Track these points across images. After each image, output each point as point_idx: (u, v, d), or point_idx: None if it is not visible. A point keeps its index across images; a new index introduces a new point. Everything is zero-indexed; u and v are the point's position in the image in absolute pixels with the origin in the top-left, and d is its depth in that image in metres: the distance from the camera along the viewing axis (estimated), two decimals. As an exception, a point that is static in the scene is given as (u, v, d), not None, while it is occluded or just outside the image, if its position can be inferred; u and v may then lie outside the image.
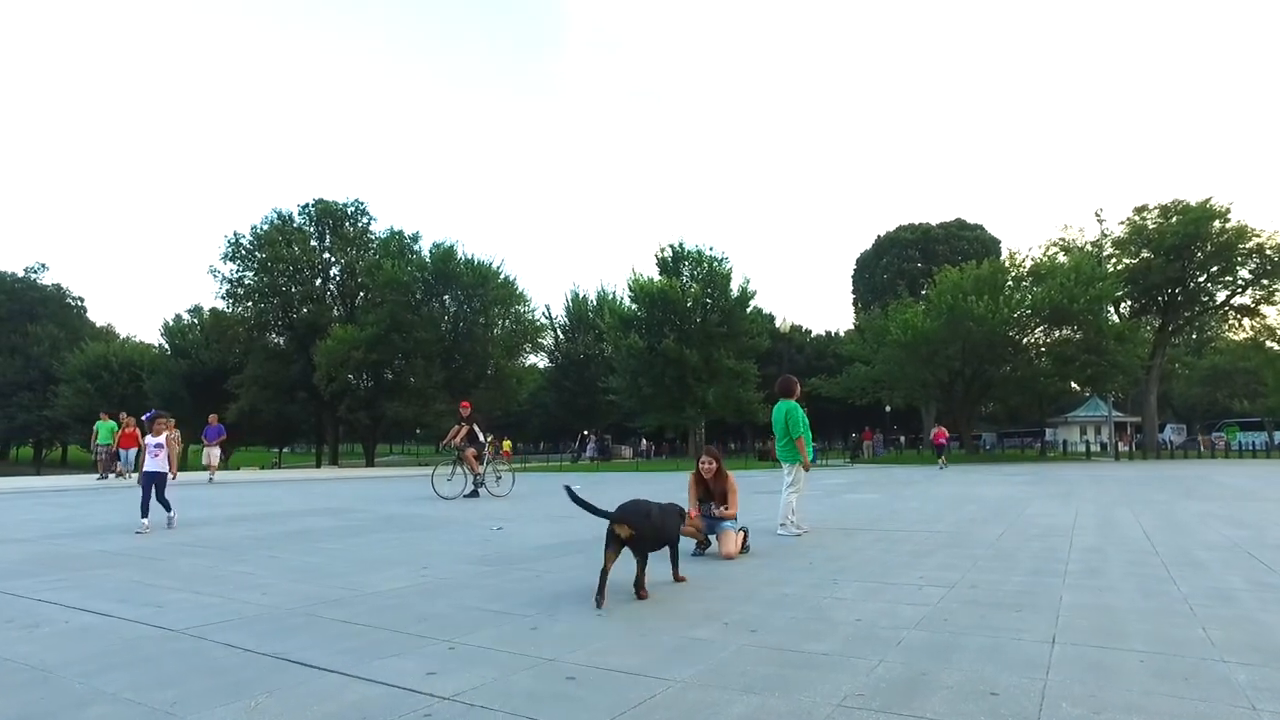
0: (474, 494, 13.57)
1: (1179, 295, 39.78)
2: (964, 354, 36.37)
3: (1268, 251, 36.92)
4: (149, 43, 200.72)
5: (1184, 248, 37.55)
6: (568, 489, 4.87)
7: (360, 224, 52.91)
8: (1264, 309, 40.06)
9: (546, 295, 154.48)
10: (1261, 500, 11.73)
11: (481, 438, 14.16)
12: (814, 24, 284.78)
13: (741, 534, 6.41)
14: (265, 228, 49.65)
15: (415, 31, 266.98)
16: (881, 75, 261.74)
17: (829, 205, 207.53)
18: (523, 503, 12.79)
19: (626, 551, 4.59)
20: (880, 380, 40.28)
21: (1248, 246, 37.09)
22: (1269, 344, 44.11)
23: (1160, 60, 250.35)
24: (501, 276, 45.94)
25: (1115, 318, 38.85)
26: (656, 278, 41.01)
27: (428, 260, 46.25)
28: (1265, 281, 38.08)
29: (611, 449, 53.21)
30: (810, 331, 69.85)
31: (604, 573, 4.42)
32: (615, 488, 17.63)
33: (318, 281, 51.54)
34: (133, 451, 19.08)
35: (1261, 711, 2.54)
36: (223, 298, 50.15)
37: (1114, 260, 39.77)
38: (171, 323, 56.55)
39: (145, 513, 8.25)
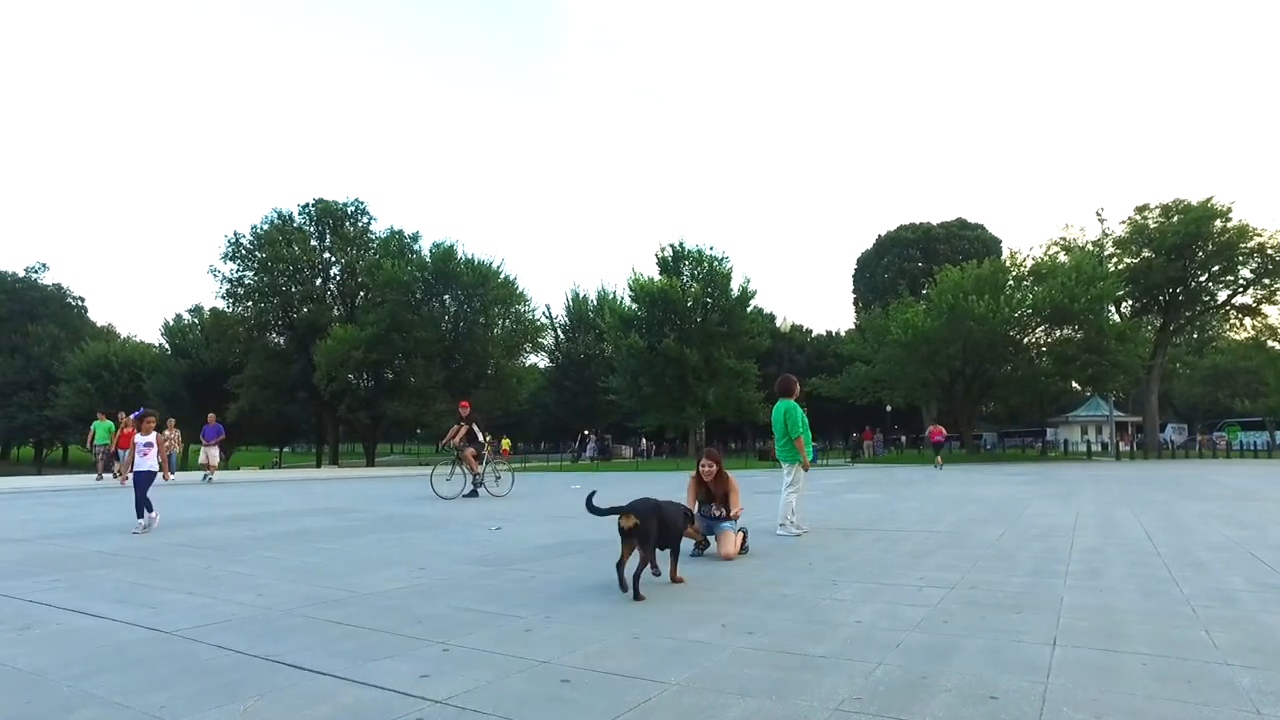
0: (473, 494, 13.54)
1: (1180, 295, 39.72)
2: (965, 353, 36.34)
3: (1269, 251, 36.84)
4: (149, 43, 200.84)
5: (1185, 247, 37.48)
6: (589, 503, 5.06)
7: (360, 224, 52.95)
8: (1265, 308, 40.00)
9: (547, 295, 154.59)
10: (1263, 500, 11.69)
11: (481, 437, 14.13)
12: (814, 24, 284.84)
13: (741, 535, 6.38)
14: (265, 227, 49.71)
15: (415, 31, 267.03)
16: (882, 75, 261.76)
17: (830, 205, 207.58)
18: (522, 503, 12.76)
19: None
20: (881, 380, 40.24)
21: (1249, 246, 37.01)
22: (1270, 343, 44.02)
23: (1161, 60, 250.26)
24: (501, 276, 45.96)
25: (1116, 317, 38.79)
26: (657, 277, 41.02)
27: (428, 260, 46.28)
28: (1266, 281, 38.00)
29: (612, 449, 53.18)
30: (811, 331, 69.89)
31: (620, 564, 4.74)
32: (616, 488, 17.62)
33: (318, 281, 51.57)
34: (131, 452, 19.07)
35: (1266, 716, 2.50)
36: (223, 297, 50.28)
37: (1115, 260, 39.70)
38: (172, 322, 56.62)
39: (140, 514, 8.18)
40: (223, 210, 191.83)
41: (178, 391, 50.35)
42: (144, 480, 8.21)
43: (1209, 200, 37.52)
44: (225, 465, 47.35)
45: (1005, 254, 43.46)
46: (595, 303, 56.57)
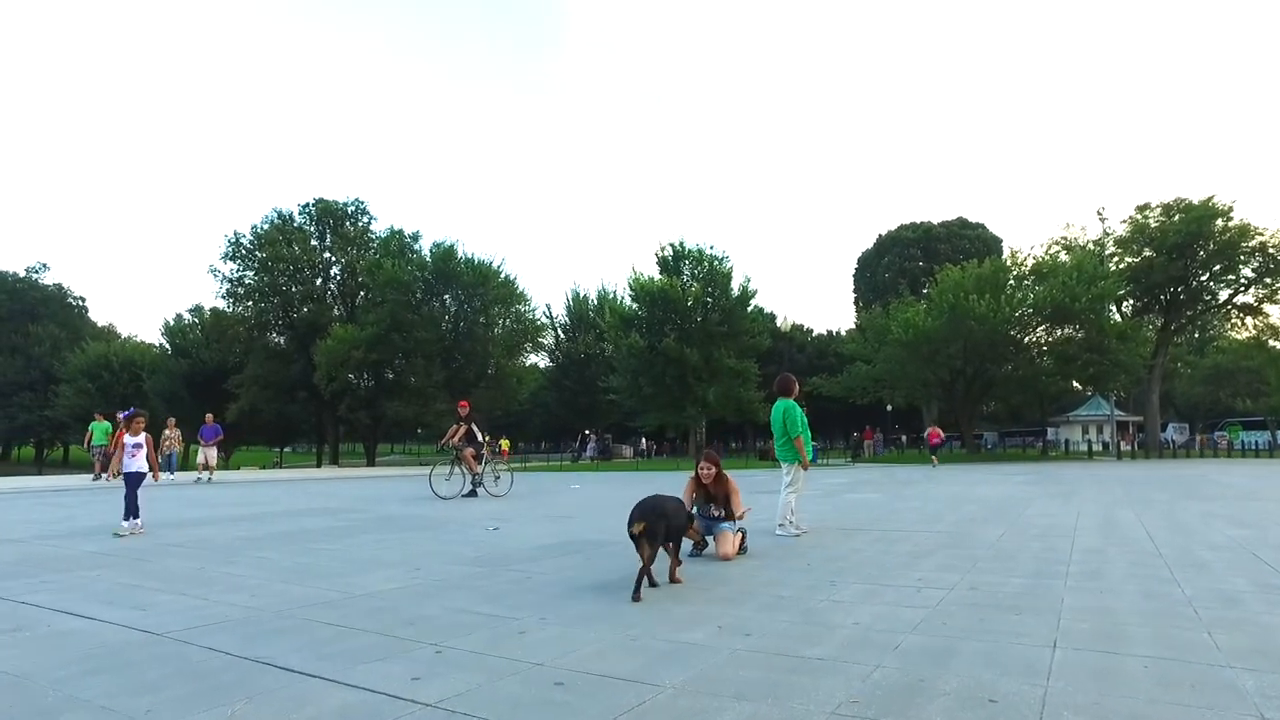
0: (472, 494, 13.49)
1: (1181, 294, 39.61)
2: (965, 353, 36.27)
3: (1270, 250, 36.71)
4: (149, 42, 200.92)
5: (1186, 246, 37.37)
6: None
7: (360, 223, 52.89)
8: (1267, 307, 39.84)
9: (547, 294, 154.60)
10: (1264, 500, 11.63)
11: (480, 437, 14.08)
12: (815, 23, 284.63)
13: (739, 535, 6.33)
14: (265, 227, 49.65)
15: (415, 31, 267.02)
16: (883, 74, 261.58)
17: (830, 204, 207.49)
18: (521, 503, 12.72)
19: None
20: (881, 379, 40.15)
21: (1250, 245, 36.88)
22: (1271, 343, 43.91)
23: (1162, 59, 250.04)
24: (502, 276, 45.88)
25: (1117, 316, 38.68)
26: (657, 277, 40.94)
27: (428, 260, 46.21)
28: (1268, 280, 37.84)
29: (612, 448, 53.13)
30: (811, 331, 69.78)
31: (643, 570, 4.72)
32: (616, 488, 17.58)
33: (318, 281, 51.52)
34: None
35: (1270, 720, 2.46)
36: (223, 297, 50.22)
37: (1116, 259, 39.58)
38: (172, 322, 56.55)
39: (135, 513, 8.08)
40: (223, 210, 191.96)
41: (178, 391, 50.31)
42: (134, 481, 8.09)
43: (1210, 199, 37.41)
44: (225, 465, 47.57)
45: (1006, 253, 43.39)
46: (595, 302, 56.50)
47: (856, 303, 64.16)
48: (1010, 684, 2.84)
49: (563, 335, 59.84)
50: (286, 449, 70.28)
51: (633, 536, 4.72)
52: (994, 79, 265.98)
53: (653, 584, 4.84)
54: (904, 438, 54.70)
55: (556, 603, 4.50)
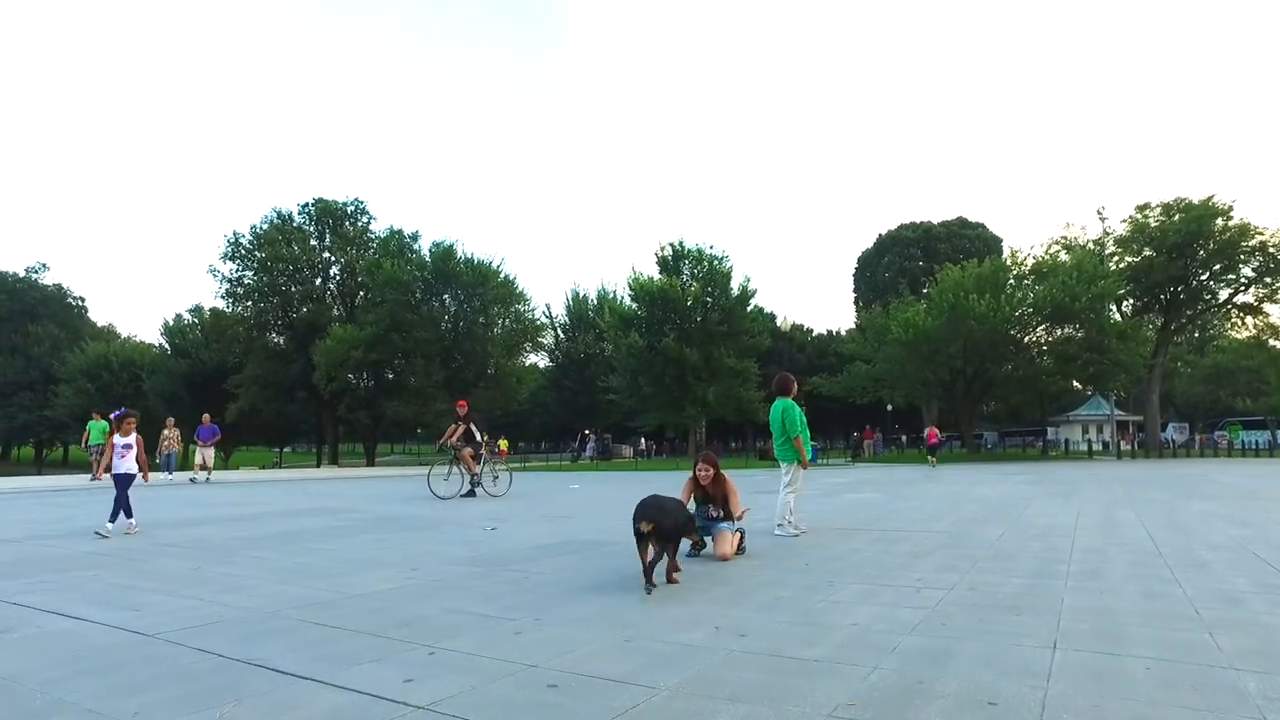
0: (470, 494, 13.45)
1: (1181, 293, 39.55)
2: (965, 352, 36.23)
3: (1270, 249, 36.63)
4: (148, 42, 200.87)
5: (1186, 246, 37.31)
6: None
7: (360, 223, 52.86)
8: (1267, 307, 39.77)
9: (546, 294, 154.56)
10: (1264, 499, 11.59)
11: (478, 437, 14.04)
12: (815, 22, 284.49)
13: (738, 535, 6.30)
14: (265, 227, 49.64)
15: (415, 30, 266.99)
16: (883, 74, 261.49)
17: (830, 204, 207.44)
18: (519, 502, 12.68)
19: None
20: (881, 379, 40.12)
21: (1250, 244, 36.82)
22: (1271, 342, 43.84)
23: (1162, 58, 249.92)
24: (501, 275, 45.85)
25: (1117, 316, 38.62)
26: (656, 276, 40.89)
27: (427, 259, 46.17)
28: (1268, 279, 37.77)
29: (611, 448, 53.08)
30: (811, 330, 69.74)
31: (643, 563, 4.82)
32: (615, 488, 17.55)
33: (317, 281, 51.49)
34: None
35: (1273, 722, 2.42)
36: (222, 297, 50.19)
37: (1116, 258, 39.53)
38: (171, 322, 56.52)
39: (129, 513, 7.99)
40: (222, 210, 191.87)
41: (177, 391, 50.27)
42: (123, 483, 7.94)
43: (1210, 199, 37.34)
44: (224, 465, 47.52)
45: (1006, 253, 43.33)
46: (595, 302, 56.45)
47: (856, 302, 64.13)
48: (1010, 686, 2.81)
49: (562, 335, 59.81)
50: (286, 449, 70.24)
51: (640, 534, 4.76)
52: (994, 79, 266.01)
53: (650, 584, 4.84)
54: (904, 437, 54.68)
55: (552, 603, 4.46)
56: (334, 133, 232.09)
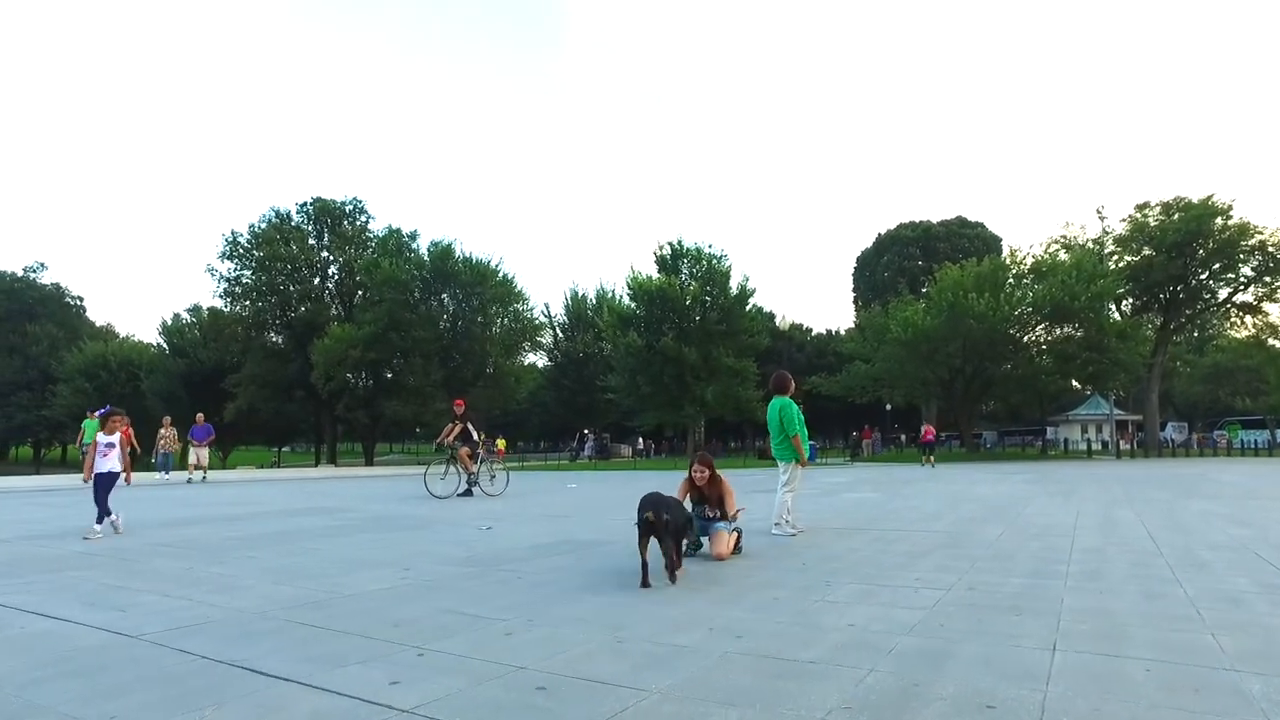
0: (467, 493, 13.40)
1: (1181, 293, 39.53)
2: (964, 352, 36.21)
3: (1270, 249, 36.63)
4: (146, 41, 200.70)
5: (1186, 245, 37.30)
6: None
7: (358, 222, 52.81)
8: (1266, 306, 39.80)
9: (545, 294, 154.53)
10: (1264, 499, 11.55)
11: (475, 436, 13.99)
12: (814, 21, 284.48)
13: (734, 535, 6.24)
14: (263, 226, 49.57)
15: (414, 29, 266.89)
16: (882, 73, 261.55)
17: (830, 203, 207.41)
18: (516, 502, 12.63)
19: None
20: (880, 378, 40.10)
21: (1250, 244, 36.82)
22: (1271, 341, 43.82)
23: (1161, 57, 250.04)
24: (500, 275, 45.81)
25: (1117, 315, 38.60)
26: (655, 276, 40.84)
27: (426, 258, 46.13)
28: (1267, 279, 37.78)
29: (610, 448, 53.02)
30: (810, 330, 69.70)
31: (643, 560, 4.90)
32: (613, 487, 17.49)
33: (316, 280, 51.43)
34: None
35: (1277, 726, 2.37)
36: (220, 297, 50.11)
37: (1115, 257, 39.51)
38: (169, 322, 56.45)
39: (109, 511, 7.80)
40: (221, 209, 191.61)
41: (175, 391, 50.19)
42: (105, 482, 7.76)
43: (1209, 198, 37.33)
44: (222, 465, 47.46)
45: (1005, 252, 43.30)
46: (594, 301, 56.39)
47: (856, 302, 64.13)
48: (1008, 689, 2.75)
49: (561, 334, 59.77)
50: (285, 448, 70.14)
51: (645, 524, 4.85)
52: (993, 78, 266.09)
53: (645, 584, 4.81)
54: (903, 437, 54.66)
55: (545, 604, 4.40)
56: (332, 132, 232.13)
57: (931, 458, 28.69)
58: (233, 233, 49.12)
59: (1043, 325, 37.30)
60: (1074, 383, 43.71)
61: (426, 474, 13.85)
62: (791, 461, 7.58)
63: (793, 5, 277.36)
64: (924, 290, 44.58)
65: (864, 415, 51.84)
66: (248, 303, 49.56)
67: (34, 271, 76.62)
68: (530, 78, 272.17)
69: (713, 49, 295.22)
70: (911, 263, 58.51)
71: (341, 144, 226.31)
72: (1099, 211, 48.58)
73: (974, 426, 45.51)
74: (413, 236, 50.24)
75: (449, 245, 45.39)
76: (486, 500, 12.91)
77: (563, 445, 60.73)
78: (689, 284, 40.32)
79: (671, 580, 4.96)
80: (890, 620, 3.88)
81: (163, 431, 19.41)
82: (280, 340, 51.10)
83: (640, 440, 55.04)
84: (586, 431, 54.31)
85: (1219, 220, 36.82)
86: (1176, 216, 37.86)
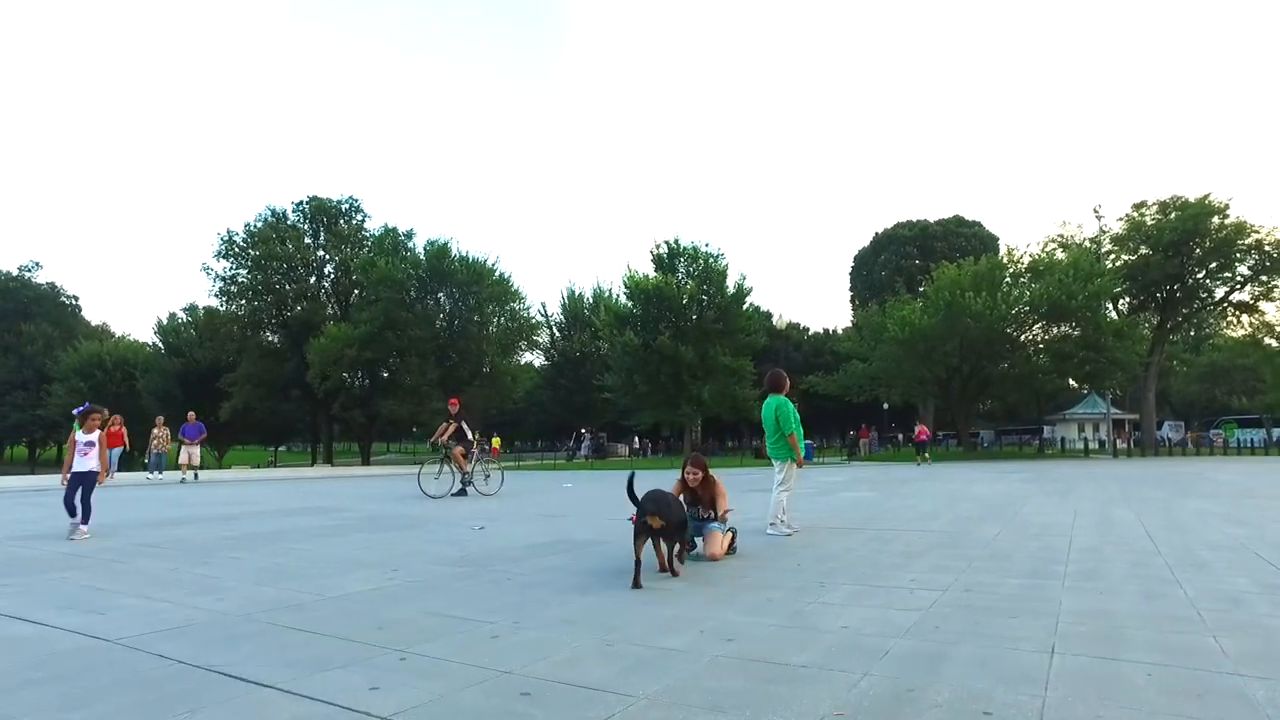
0: (462, 493, 13.31)
1: (1177, 292, 39.54)
2: (962, 351, 36.17)
3: (1266, 248, 36.66)
4: (142, 40, 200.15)
5: (1182, 244, 37.30)
6: (629, 488, 5.25)
7: (354, 221, 52.59)
8: (1262, 305, 39.83)
9: (542, 293, 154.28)
10: (1261, 497, 11.50)
11: (470, 435, 13.91)
12: (812, 20, 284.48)
13: (729, 535, 6.17)
14: (259, 225, 49.32)
15: (411, 28, 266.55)
16: (880, 72, 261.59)
17: (827, 202, 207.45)
18: (510, 501, 12.54)
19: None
20: (877, 377, 40.07)
21: (1246, 242, 36.83)
22: (1267, 340, 43.86)
23: (1159, 56, 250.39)
24: (496, 274, 45.66)
25: (1114, 314, 38.59)
26: (652, 275, 40.73)
27: (422, 258, 45.97)
28: (1264, 278, 37.80)
29: (607, 447, 52.91)
30: (808, 329, 69.58)
31: (636, 561, 4.87)
32: (609, 487, 17.41)
33: (312, 279, 51.20)
34: (117, 451, 18.77)
35: (1283, 733, 2.29)
36: (216, 296, 49.87)
37: (1112, 256, 39.52)
38: (165, 321, 56.25)
39: (72, 513, 7.55)
40: (217, 208, 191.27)
41: (171, 390, 49.98)
42: (81, 481, 7.56)
43: (1206, 197, 37.33)
44: (218, 464, 47.27)
45: (1002, 251, 43.26)
46: (591, 300, 56.27)
47: (853, 301, 64.10)
48: (1006, 694, 2.67)
49: (558, 333, 59.63)
50: (281, 448, 70.00)
51: (646, 527, 4.86)
52: (991, 77, 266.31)
53: (637, 585, 4.77)
54: (900, 436, 54.66)
55: (535, 605, 4.32)
56: (329, 131, 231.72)
57: (926, 455, 28.81)
58: (228, 231, 48.90)
59: (1040, 324, 37.28)
60: (1071, 382, 43.74)
61: (420, 473, 13.77)
62: (787, 461, 7.50)
63: (790, 4, 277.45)
64: (921, 289, 44.54)
65: (861, 414, 51.82)
66: (243, 302, 49.32)
67: (29, 270, 76.46)
68: (527, 76, 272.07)
69: (710, 47, 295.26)
70: (909, 262, 58.48)
71: (338, 143, 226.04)
72: (1096, 210, 48.52)
73: (971, 425, 45.50)
74: (409, 235, 50.06)
75: (445, 244, 45.25)
76: (481, 500, 12.83)
77: (560, 444, 60.63)
78: (686, 283, 40.22)
79: (674, 573, 5.07)
80: (885, 622, 3.81)
81: (155, 431, 19.29)
82: (276, 339, 50.87)
83: (637, 439, 55.01)
84: (583, 431, 54.21)
85: (1216, 219, 36.83)
86: (1173, 215, 37.86)
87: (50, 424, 61.06)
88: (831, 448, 53.49)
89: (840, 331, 61.59)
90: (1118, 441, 40.12)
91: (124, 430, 19.09)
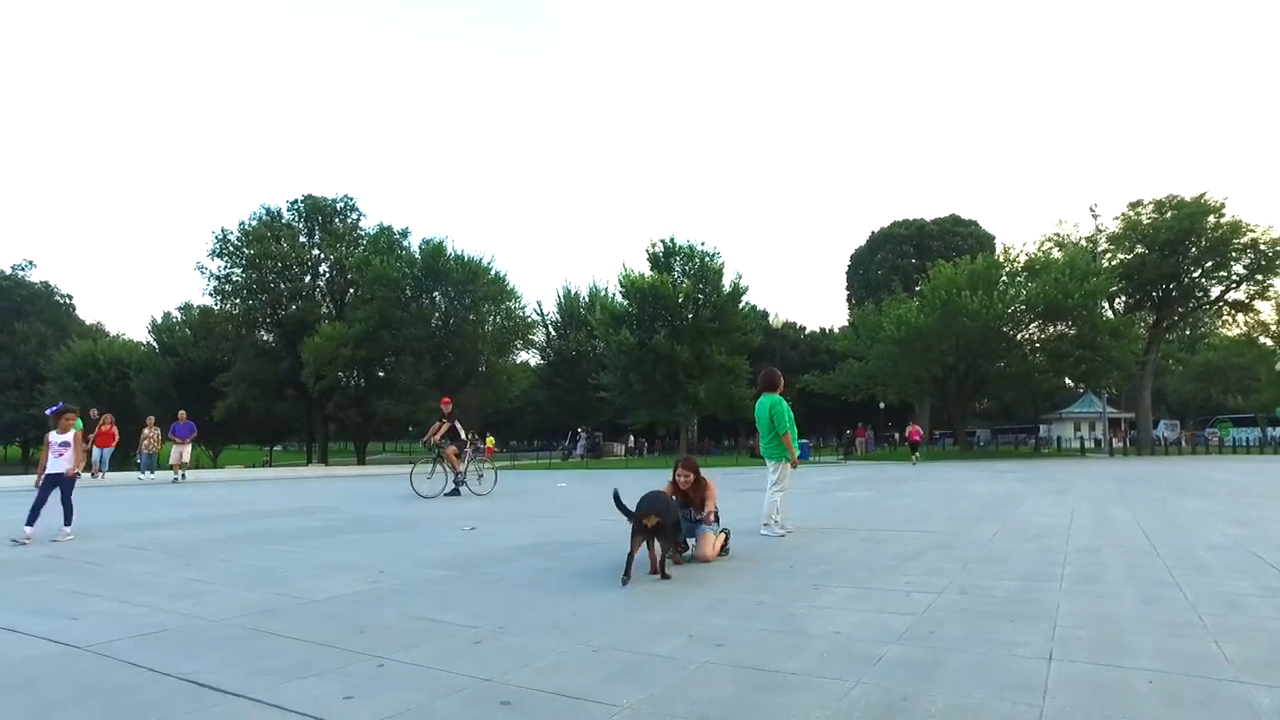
0: (454, 493, 13.19)
1: (1173, 291, 39.52)
2: (958, 349, 36.13)
3: (1261, 246, 36.64)
4: (137, 38, 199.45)
5: (1178, 243, 37.28)
6: (616, 499, 5.37)
7: (349, 220, 52.32)
8: (1257, 304, 39.87)
9: (538, 292, 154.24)
10: (1258, 496, 11.43)
11: (462, 434, 13.79)
12: (809, 18, 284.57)
13: (722, 536, 6.08)
14: (254, 224, 49.05)
15: (406, 26, 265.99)
16: (877, 71, 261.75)
17: (824, 201, 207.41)
18: (503, 502, 12.43)
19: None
20: (874, 376, 40.02)
21: (1242, 241, 36.80)
22: (1262, 339, 43.91)
23: (1155, 56, 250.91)
24: (492, 273, 45.50)
25: (1110, 313, 38.58)
26: (648, 273, 40.62)
27: (417, 256, 45.78)
28: (1259, 277, 37.79)
29: (603, 446, 52.78)
30: (804, 328, 69.55)
31: (630, 556, 4.97)
32: (604, 486, 17.30)
33: (306, 278, 50.93)
34: (108, 451, 18.63)
35: (1291, 745, 2.20)
36: (210, 295, 49.60)
37: (1108, 255, 39.48)
38: (159, 320, 55.98)
39: (32, 520, 7.20)
40: (211, 207, 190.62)
41: (165, 390, 49.69)
42: (57, 483, 7.36)
43: (1202, 196, 37.30)
44: (213, 464, 47.05)
45: (999, 250, 43.24)
46: (587, 299, 56.14)
47: (849, 300, 64.07)
48: (1004, 703, 2.57)
49: (554, 333, 59.49)
50: (277, 447, 69.72)
51: (642, 527, 4.92)
52: (988, 76, 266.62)
53: (627, 576, 4.87)
54: (896, 435, 54.64)
55: (520, 609, 4.22)
56: (324, 129, 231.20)
57: (916, 455, 28.92)
58: (223, 230, 48.58)
59: (1036, 323, 37.25)
60: (1067, 381, 43.71)
61: (413, 473, 13.64)
62: (781, 461, 7.39)
63: (787, 3, 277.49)
64: (917, 288, 44.46)
65: (857, 413, 51.79)
66: (238, 301, 49.03)
67: (22, 269, 75.92)
68: (523, 75, 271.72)
69: (706, 46, 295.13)
70: (905, 260, 58.44)
71: (333, 141, 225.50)
72: (1092, 209, 48.56)
73: (967, 424, 45.48)
74: (404, 234, 49.80)
75: (441, 243, 45.07)
76: (473, 500, 12.72)
77: (555, 444, 60.48)
78: (681, 282, 40.11)
79: (664, 575, 5.04)
80: (879, 627, 3.71)
81: (146, 431, 19.14)
82: (271, 338, 50.60)
83: (633, 438, 54.85)
84: (579, 430, 54.08)
85: (1211, 218, 36.80)
86: (1169, 214, 37.83)
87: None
88: (828, 447, 53.47)
89: (836, 330, 61.58)
90: (1114, 440, 40.12)
91: (115, 429, 18.95)
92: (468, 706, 2.62)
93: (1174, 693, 2.66)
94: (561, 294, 59.94)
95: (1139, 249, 38.85)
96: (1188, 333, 51.76)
